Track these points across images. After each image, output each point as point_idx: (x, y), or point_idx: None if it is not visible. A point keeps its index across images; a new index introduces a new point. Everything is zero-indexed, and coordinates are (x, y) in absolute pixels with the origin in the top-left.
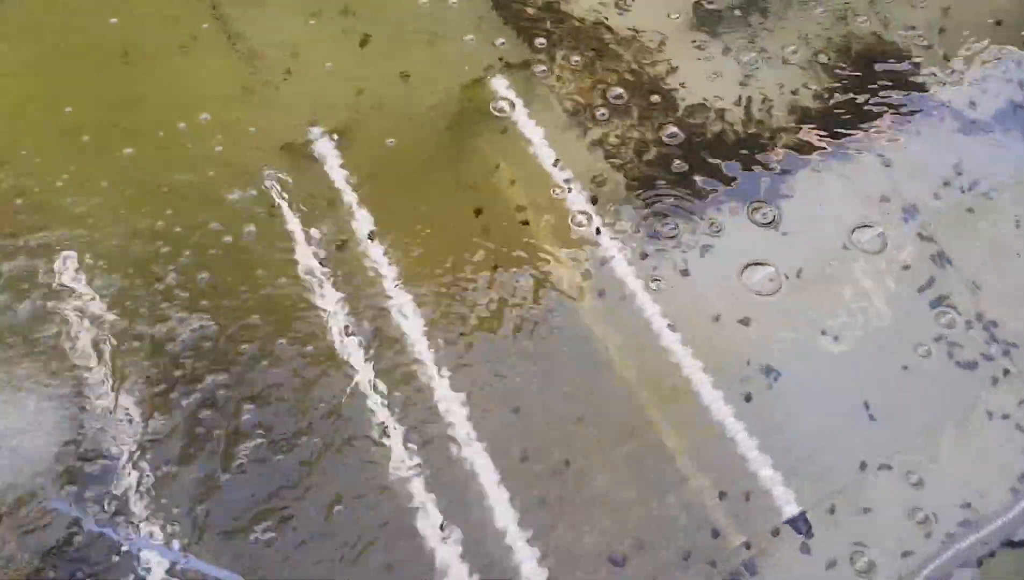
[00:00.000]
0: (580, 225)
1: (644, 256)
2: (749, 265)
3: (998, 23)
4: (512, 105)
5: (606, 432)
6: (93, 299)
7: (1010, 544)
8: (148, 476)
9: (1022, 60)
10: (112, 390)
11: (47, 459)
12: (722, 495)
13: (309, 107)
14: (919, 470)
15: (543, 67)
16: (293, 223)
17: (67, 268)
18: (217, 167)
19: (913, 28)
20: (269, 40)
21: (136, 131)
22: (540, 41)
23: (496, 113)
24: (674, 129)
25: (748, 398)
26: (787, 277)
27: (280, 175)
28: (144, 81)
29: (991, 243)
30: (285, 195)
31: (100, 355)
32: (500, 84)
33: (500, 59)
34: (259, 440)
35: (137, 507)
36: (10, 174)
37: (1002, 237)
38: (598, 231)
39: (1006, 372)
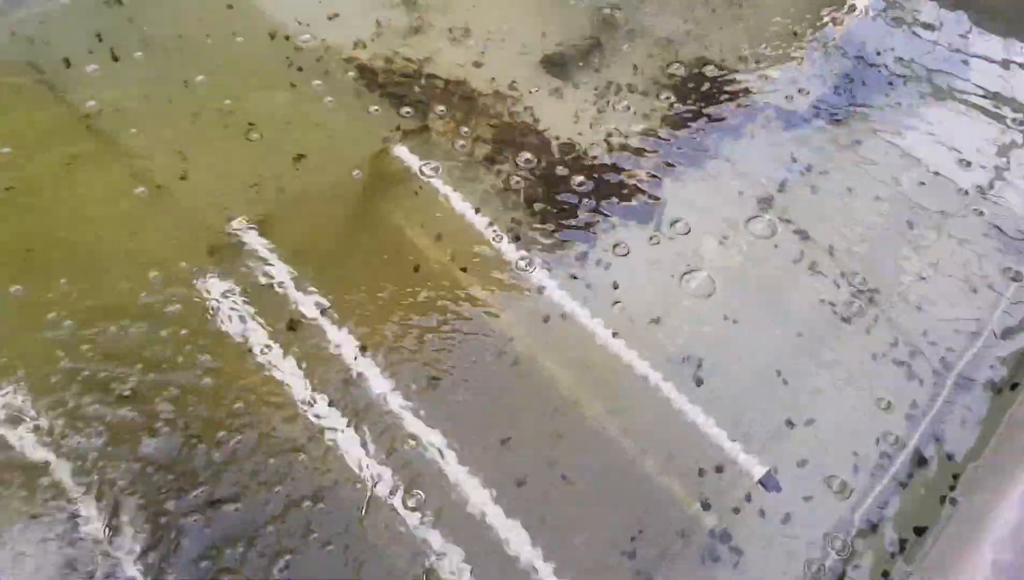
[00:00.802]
0: (510, 262)
1: (574, 277)
2: (659, 269)
3: (794, 33)
4: (417, 167)
5: (584, 441)
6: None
7: (920, 462)
8: None
9: (818, 60)
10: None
11: None
12: (701, 472)
13: (216, 205)
14: (834, 418)
15: (432, 129)
16: (238, 319)
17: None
18: (147, 284)
19: (723, 48)
20: (155, 148)
21: (55, 272)
22: (425, 106)
23: (404, 177)
24: (557, 165)
25: (699, 382)
26: (680, 275)
27: (209, 276)
28: (36, 212)
29: (835, 211)
30: (221, 295)
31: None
32: (401, 150)
33: (397, 128)
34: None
35: None
36: None
37: (842, 204)
38: (528, 264)
39: (876, 319)
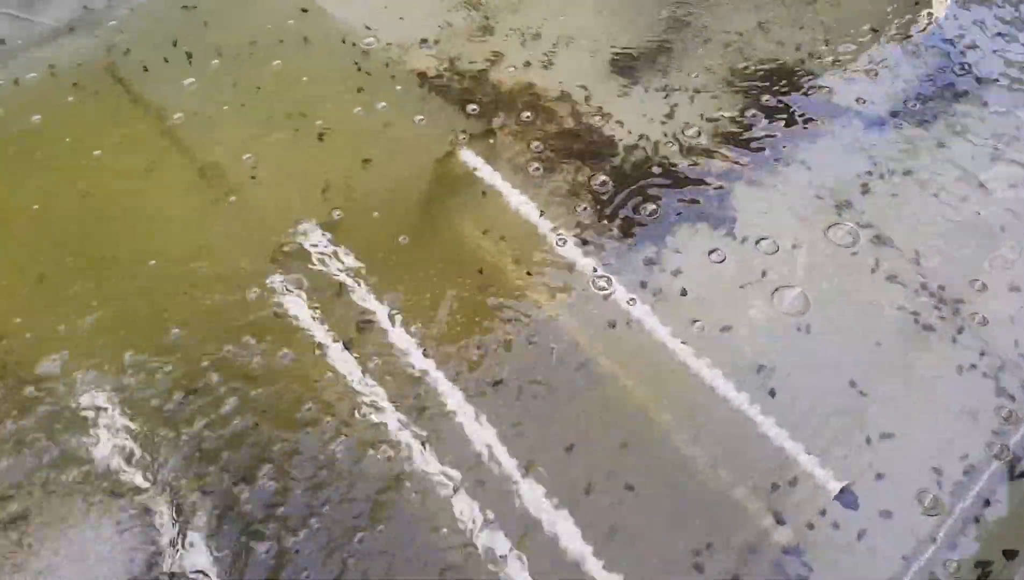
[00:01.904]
0: (575, 266)
1: (642, 284)
2: (730, 275)
3: (874, 30)
4: (483, 171)
5: (651, 451)
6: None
7: (1009, 480)
8: None
9: (898, 60)
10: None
11: None
12: (774, 486)
13: (285, 208)
14: (914, 431)
15: (499, 132)
16: (307, 321)
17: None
18: (214, 286)
19: (800, 47)
20: (228, 153)
21: (126, 274)
22: (491, 109)
23: (469, 180)
24: (625, 168)
25: (773, 393)
26: (752, 281)
27: (282, 278)
28: (111, 218)
29: (917, 216)
30: (293, 297)
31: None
32: (467, 154)
33: (463, 131)
34: (316, 517)
35: None
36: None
37: (925, 209)
38: (595, 269)
39: (960, 330)
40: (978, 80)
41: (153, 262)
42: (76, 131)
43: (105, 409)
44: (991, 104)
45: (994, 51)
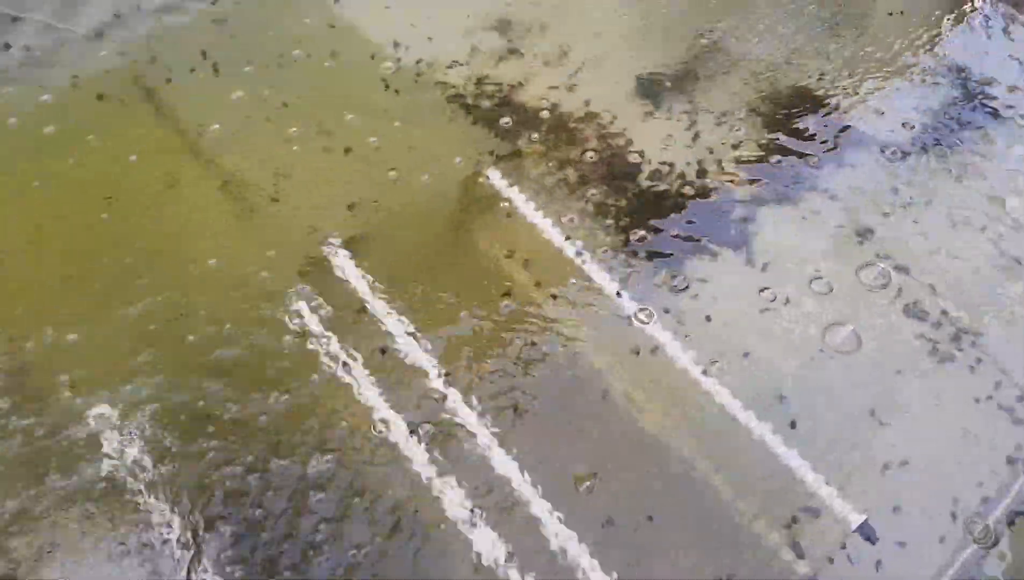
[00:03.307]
0: (599, 290)
1: (665, 310)
2: (752, 302)
3: (895, 62)
4: (509, 191)
5: (673, 481)
6: (143, 453)
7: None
8: None
9: (924, 89)
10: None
11: None
12: (795, 519)
13: (311, 223)
14: (932, 460)
15: (524, 153)
16: (329, 338)
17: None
18: (239, 302)
19: (824, 75)
20: (253, 167)
21: (148, 285)
22: (518, 129)
23: (495, 201)
24: (648, 192)
25: (793, 425)
26: (773, 308)
27: (305, 296)
28: (134, 226)
29: (937, 246)
30: (316, 314)
31: (173, 508)
32: (493, 174)
33: (491, 152)
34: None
35: None
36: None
37: (944, 238)
38: (619, 294)
39: (979, 360)
40: (995, 115)
41: (175, 272)
42: (100, 140)
43: (118, 423)
44: (1008, 138)
45: (1010, 88)
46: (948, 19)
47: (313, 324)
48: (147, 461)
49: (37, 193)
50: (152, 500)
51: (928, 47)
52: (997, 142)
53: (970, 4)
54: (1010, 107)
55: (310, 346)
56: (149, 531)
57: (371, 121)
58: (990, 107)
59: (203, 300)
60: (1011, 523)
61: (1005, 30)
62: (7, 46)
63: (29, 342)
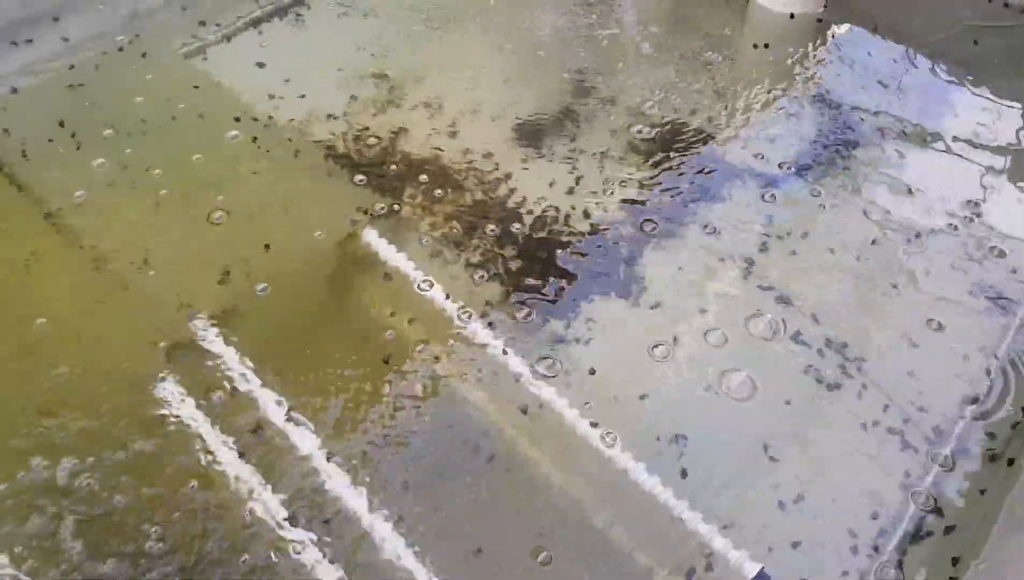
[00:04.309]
0: (484, 348)
1: (550, 362)
2: (636, 345)
3: (768, 92)
4: (387, 251)
5: (568, 543)
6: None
7: (916, 538)
8: None
9: (794, 119)
10: None
11: None
12: (691, 572)
13: (180, 299)
14: (826, 492)
15: (403, 208)
16: (200, 423)
17: None
18: (99, 387)
19: (697, 109)
20: (118, 240)
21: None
22: (397, 184)
23: (373, 262)
24: (532, 240)
25: (684, 474)
26: (661, 348)
27: (172, 380)
28: None
29: (816, 274)
30: (184, 400)
31: None
32: (371, 235)
33: (365, 212)
34: None
35: None
36: None
37: (823, 266)
38: (504, 351)
39: (864, 386)
40: (864, 136)
41: (32, 359)
42: None
43: None
44: (880, 158)
45: (875, 112)
46: (811, 48)
47: (181, 410)
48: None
49: None
50: None
51: (795, 76)
52: (867, 165)
53: (831, 32)
54: (877, 130)
55: (179, 433)
56: None
57: (242, 184)
58: (858, 130)
59: (64, 388)
60: (904, 553)
61: (867, 55)
62: None
63: None
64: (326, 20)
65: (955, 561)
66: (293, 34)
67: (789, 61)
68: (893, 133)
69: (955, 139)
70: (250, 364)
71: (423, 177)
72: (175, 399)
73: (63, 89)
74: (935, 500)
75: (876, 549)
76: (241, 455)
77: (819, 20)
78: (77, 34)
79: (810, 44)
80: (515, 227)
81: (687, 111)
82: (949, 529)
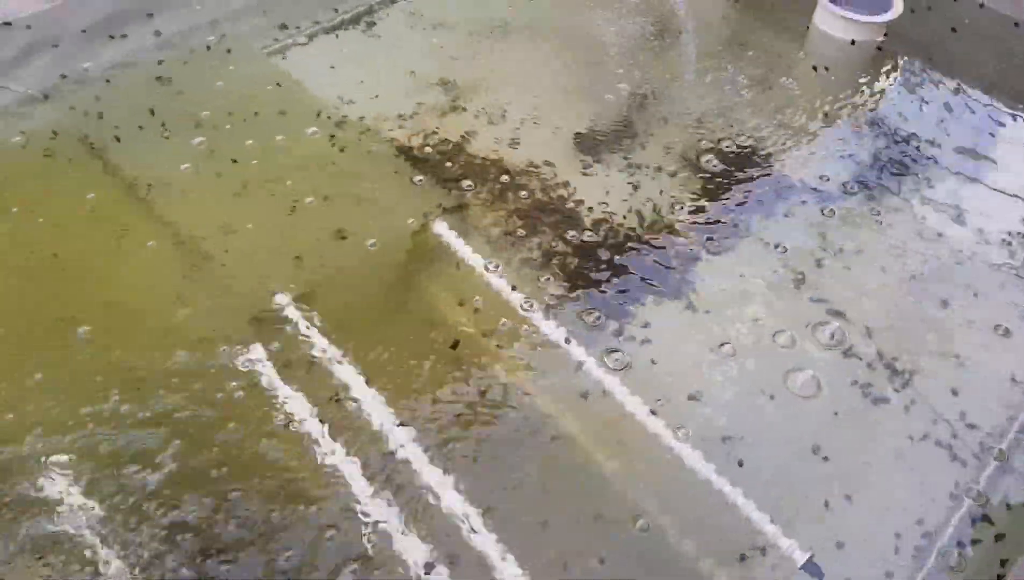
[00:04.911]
0: (547, 338)
1: (611, 353)
2: (694, 345)
3: (825, 114)
4: (456, 243)
5: (623, 523)
6: (92, 508)
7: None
8: None
9: (851, 141)
10: None
11: None
12: (743, 557)
13: (260, 278)
14: (874, 499)
15: (470, 206)
16: (281, 391)
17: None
18: (185, 354)
19: (754, 130)
20: (202, 223)
21: (96, 339)
22: (463, 183)
23: (443, 253)
24: (591, 241)
25: (741, 463)
26: (716, 349)
27: (252, 349)
28: (81, 281)
29: (869, 290)
30: (267, 366)
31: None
32: (441, 227)
33: (438, 205)
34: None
35: None
36: None
37: (876, 283)
38: (567, 341)
39: (913, 401)
40: (918, 161)
41: (123, 327)
42: (47, 197)
43: (69, 484)
44: (934, 182)
45: (930, 139)
46: (870, 74)
47: (265, 376)
48: (101, 511)
49: None
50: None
51: (853, 100)
52: (920, 188)
53: (891, 61)
54: (929, 158)
55: (263, 397)
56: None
57: (319, 176)
58: (913, 155)
59: (154, 353)
60: (957, 558)
61: (921, 84)
62: None
63: None
64: (396, 30)
65: (1003, 563)
66: (366, 41)
67: (848, 85)
68: (947, 159)
69: (1007, 166)
70: (328, 339)
71: (488, 178)
72: (259, 367)
73: (152, 81)
74: (985, 506)
75: (921, 554)
76: (321, 421)
77: (879, 48)
78: (168, 31)
79: (869, 70)
80: (576, 228)
81: (745, 129)
82: (999, 537)
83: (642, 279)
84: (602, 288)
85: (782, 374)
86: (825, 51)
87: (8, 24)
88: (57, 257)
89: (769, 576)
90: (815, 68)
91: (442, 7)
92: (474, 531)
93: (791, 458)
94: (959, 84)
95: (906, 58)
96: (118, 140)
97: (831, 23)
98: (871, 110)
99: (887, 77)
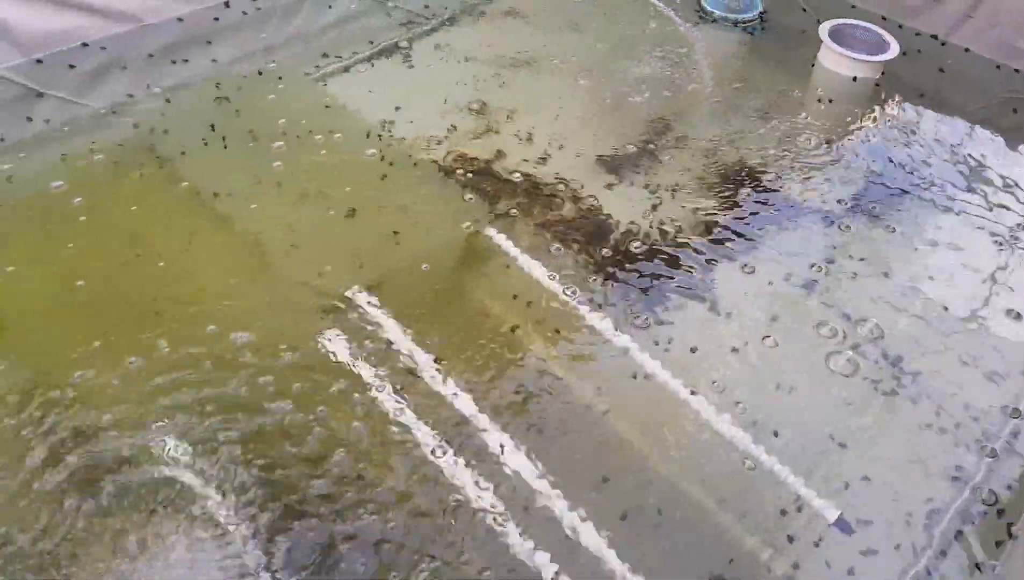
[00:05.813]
0: (595, 328)
1: (654, 342)
2: (720, 339)
3: (827, 141)
4: (506, 245)
5: (676, 481)
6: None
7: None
8: None
9: (852, 166)
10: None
11: None
12: (783, 512)
13: (328, 274)
14: (878, 477)
15: (511, 216)
16: (364, 368)
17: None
18: (267, 342)
19: (764, 154)
20: (266, 227)
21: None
22: (503, 196)
23: (494, 255)
24: (621, 247)
25: (776, 434)
26: (739, 348)
27: (329, 333)
28: (162, 279)
29: (876, 296)
30: (346, 348)
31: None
32: (491, 231)
33: (487, 212)
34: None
35: None
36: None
37: (879, 289)
38: (615, 330)
39: (918, 395)
40: (913, 186)
41: (203, 316)
42: (121, 204)
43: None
44: (927, 204)
45: (925, 163)
46: (869, 107)
47: (345, 356)
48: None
49: (60, 249)
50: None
51: (854, 130)
52: (914, 209)
53: (888, 96)
54: (923, 178)
55: (344, 373)
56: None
57: (370, 188)
58: (909, 180)
59: (239, 338)
60: (960, 533)
61: (913, 117)
62: (29, 119)
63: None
64: (428, 61)
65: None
66: (400, 71)
67: (849, 116)
68: (937, 185)
69: (994, 192)
70: (397, 327)
71: (523, 191)
72: (337, 348)
73: (211, 101)
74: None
75: (927, 533)
76: (398, 400)
77: (877, 84)
78: (223, 57)
79: (868, 104)
80: (607, 236)
81: (756, 154)
82: (1000, 513)
83: (672, 282)
84: (639, 288)
85: (793, 368)
86: (829, 86)
87: (86, 45)
88: (140, 257)
89: (805, 529)
90: (819, 100)
91: (472, 41)
92: (539, 490)
93: (811, 441)
94: (944, 117)
95: (900, 95)
96: (184, 153)
97: (835, 61)
98: (870, 139)
99: (884, 111)
